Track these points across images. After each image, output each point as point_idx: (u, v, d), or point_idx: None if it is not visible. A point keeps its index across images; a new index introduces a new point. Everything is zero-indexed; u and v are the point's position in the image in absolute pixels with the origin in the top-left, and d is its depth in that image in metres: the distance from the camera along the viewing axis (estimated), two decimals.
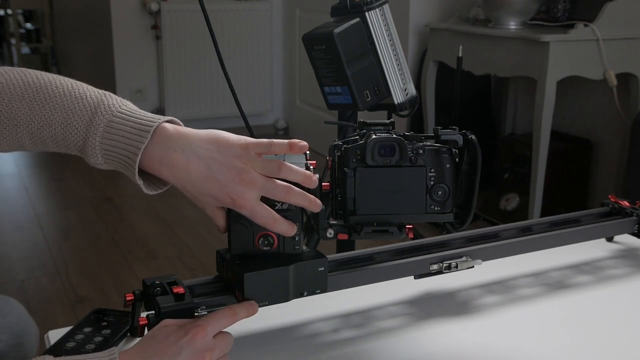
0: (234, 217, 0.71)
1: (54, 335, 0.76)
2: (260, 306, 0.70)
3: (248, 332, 0.79)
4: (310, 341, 0.78)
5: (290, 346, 0.77)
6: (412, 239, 0.79)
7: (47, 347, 0.74)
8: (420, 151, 0.71)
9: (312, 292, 0.73)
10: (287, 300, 0.71)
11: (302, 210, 0.71)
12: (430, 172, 0.71)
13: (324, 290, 0.74)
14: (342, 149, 0.72)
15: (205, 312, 0.71)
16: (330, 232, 0.73)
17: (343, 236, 0.73)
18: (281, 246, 0.71)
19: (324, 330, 0.80)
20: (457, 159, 0.72)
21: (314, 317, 0.83)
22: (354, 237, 0.73)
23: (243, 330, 0.79)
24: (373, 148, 0.70)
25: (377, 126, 0.74)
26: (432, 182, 0.71)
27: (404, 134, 0.73)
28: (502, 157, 2.92)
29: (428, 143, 0.73)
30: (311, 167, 0.71)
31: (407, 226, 0.74)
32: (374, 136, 0.71)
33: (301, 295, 0.73)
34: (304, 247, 0.73)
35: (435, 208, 0.72)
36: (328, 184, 0.73)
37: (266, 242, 0.71)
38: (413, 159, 0.71)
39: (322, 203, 0.72)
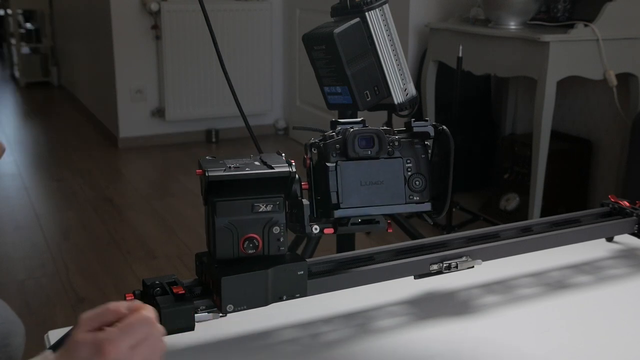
0: (218, 222, 0.70)
1: (54, 335, 0.76)
2: (238, 310, 0.70)
3: (248, 332, 0.79)
4: (310, 341, 0.78)
5: (291, 346, 0.77)
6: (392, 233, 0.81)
7: (47, 347, 0.74)
8: (396, 143, 0.73)
9: (291, 296, 0.72)
10: (266, 304, 0.71)
11: (285, 210, 0.70)
12: (407, 163, 0.73)
13: (303, 294, 0.73)
14: (321, 145, 0.72)
15: (206, 313, 0.71)
16: (315, 228, 0.72)
17: (329, 230, 0.72)
18: (266, 248, 0.71)
19: (324, 330, 0.80)
20: (429, 150, 0.74)
21: (314, 317, 0.83)
22: (340, 230, 0.73)
23: (243, 330, 0.79)
24: (353, 140, 0.71)
25: (350, 124, 0.74)
26: (409, 173, 0.73)
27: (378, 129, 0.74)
28: (502, 157, 2.92)
29: (402, 135, 0.74)
30: (292, 163, 0.71)
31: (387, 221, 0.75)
32: (352, 129, 0.72)
33: (280, 299, 0.72)
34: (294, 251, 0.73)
35: (415, 198, 0.73)
36: (306, 183, 0.73)
37: (251, 245, 0.70)
38: (390, 151, 0.73)
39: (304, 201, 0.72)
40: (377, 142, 0.72)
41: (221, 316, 0.71)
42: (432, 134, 0.74)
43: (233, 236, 0.70)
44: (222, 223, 0.70)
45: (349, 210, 0.72)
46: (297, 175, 0.71)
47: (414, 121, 0.74)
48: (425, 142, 0.74)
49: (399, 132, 0.75)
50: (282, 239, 0.71)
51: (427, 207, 0.74)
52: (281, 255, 0.71)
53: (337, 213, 0.72)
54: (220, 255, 0.70)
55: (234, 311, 0.70)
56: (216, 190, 0.70)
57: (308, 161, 0.73)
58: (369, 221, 0.73)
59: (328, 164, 0.71)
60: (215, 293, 0.69)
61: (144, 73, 4.24)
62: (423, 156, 0.73)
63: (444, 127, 0.74)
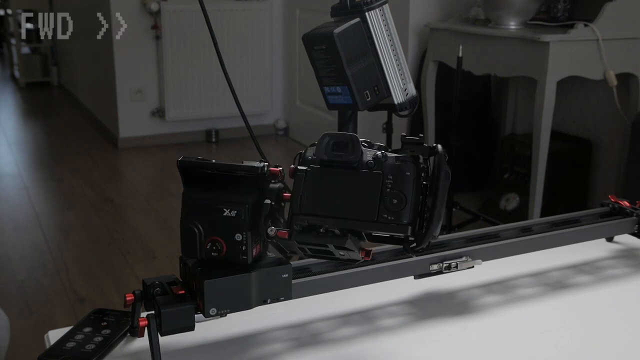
0: (185, 221, 0.69)
1: (54, 335, 0.76)
2: (221, 313, 0.69)
3: (248, 332, 0.79)
4: (310, 341, 0.78)
5: (290, 345, 0.77)
6: (368, 261, 0.70)
7: (47, 347, 0.74)
8: (381, 158, 0.66)
9: (275, 300, 0.71)
10: (249, 307, 0.70)
11: (251, 218, 0.69)
12: (388, 179, 0.65)
13: (288, 297, 0.71)
14: (302, 152, 0.69)
15: None
16: (271, 229, 0.68)
17: (282, 233, 0.67)
18: (229, 253, 0.69)
19: (324, 330, 0.80)
20: (422, 172, 0.66)
21: (314, 317, 0.83)
22: (293, 237, 0.67)
23: (243, 330, 0.79)
24: (327, 143, 0.67)
25: None
26: (388, 190, 0.65)
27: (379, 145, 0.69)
28: (502, 157, 2.93)
29: (390, 151, 0.68)
30: (266, 164, 0.69)
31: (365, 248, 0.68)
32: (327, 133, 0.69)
33: (264, 302, 0.71)
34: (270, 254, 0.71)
35: (389, 217, 0.64)
36: (289, 194, 0.70)
37: (214, 247, 0.69)
38: (370, 163, 0.66)
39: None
40: (351, 146, 0.66)
41: (221, 316, 0.71)
42: (425, 153, 0.66)
43: (198, 237, 0.70)
44: (189, 222, 0.70)
45: (310, 218, 0.66)
46: (280, 184, 0.69)
47: (406, 137, 0.68)
48: (420, 163, 0.66)
49: (395, 150, 0.68)
50: (244, 247, 0.69)
51: (404, 230, 0.64)
52: (244, 263, 0.69)
53: (296, 219, 0.66)
54: (185, 253, 0.71)
55: (217, 314, 0.69)
56: (189, 185, 0.71)
57: (291, 170, 0.69)
58: (331, 236, 0.66)
59: (299, 168, 0.68)
60: (199, 296, 0.69)
61: (144, 73, 4.24)
62: (408, 174, 0.65)
63: (439, 146, 0.66)
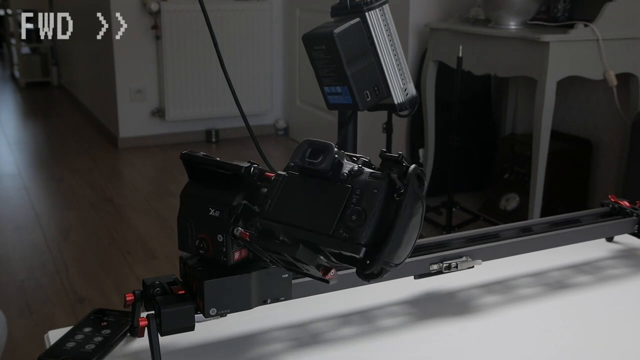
0: (180, 216, 0.71)
1: (54, 335, 0.76)
2: (221, 314, 0.69)
3: (248, 332, 0.79)
4: (310, 341, 0.78)
5: (291, 346, 0.77)
6: (326, 280, 0.64)
7: (47, 347, 0.74)
8: (356, 173, 0.62)
9: (275, 300, 0.71)
10: (249, 307, 0.70)
11: (232, 221, 0.68)
12: (355, 194, 0.61)
13: (288, 297, 0.71)
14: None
15: None
16: (237, 229, 0.67)
17: (244, 234, 0.66)
18: (214, 253, 0.69)
19: (324, 330, 0.80)
20: (396, 192, 0.61)
21: (314, 317, 0.83)
22: (254, 240, 0.65)
23: (243, 330, 0.79)
24: (304, 149, 0.65)
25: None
26: (352, 205, 0.60)
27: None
28: (502, 157, 2.93)
29: (368, 166, 0.64)
30: (257, 164, 0.69)
31: (324, 263, 0.63)
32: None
33: (264, 302, 0.71)
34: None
35: (344, 234, 0.60)
36: None
37: (202, 245, 0.70)
38: (345, 177, 0.62)
39: None
40: (325, 155, 0.63)
41: (221, 316, 0.71)
42: (400, 172, 0.61)
43: (190, 233, 0.71)
44: (182, 217, 0.72)
45: (272, 224, 0.63)
46: (266, 189, 0.67)
47: (385, 153, 0.64)
48: (397, 183, 0.61)
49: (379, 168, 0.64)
50: (224, 249, 0.68)
51: (355, 250, 0.58)
52: (224, 265, 0.69)
53: (261, 223, 0.64)
54: (180, 247, 0.72)
55: (217, 315, 0.69)
56: (192, 180, 0.73)
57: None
58: (284, 244, 0.62)
59: (278, 172, 0.66)
60: (199, 296, 0.69)
61: (144, 73, 4.24)
62: (375, 191, 0.60)
63: (412, 166, 0.60)
